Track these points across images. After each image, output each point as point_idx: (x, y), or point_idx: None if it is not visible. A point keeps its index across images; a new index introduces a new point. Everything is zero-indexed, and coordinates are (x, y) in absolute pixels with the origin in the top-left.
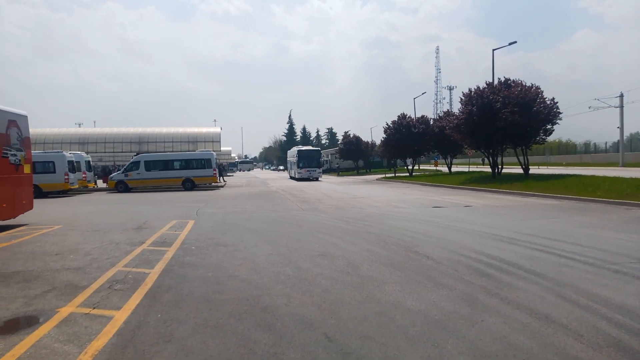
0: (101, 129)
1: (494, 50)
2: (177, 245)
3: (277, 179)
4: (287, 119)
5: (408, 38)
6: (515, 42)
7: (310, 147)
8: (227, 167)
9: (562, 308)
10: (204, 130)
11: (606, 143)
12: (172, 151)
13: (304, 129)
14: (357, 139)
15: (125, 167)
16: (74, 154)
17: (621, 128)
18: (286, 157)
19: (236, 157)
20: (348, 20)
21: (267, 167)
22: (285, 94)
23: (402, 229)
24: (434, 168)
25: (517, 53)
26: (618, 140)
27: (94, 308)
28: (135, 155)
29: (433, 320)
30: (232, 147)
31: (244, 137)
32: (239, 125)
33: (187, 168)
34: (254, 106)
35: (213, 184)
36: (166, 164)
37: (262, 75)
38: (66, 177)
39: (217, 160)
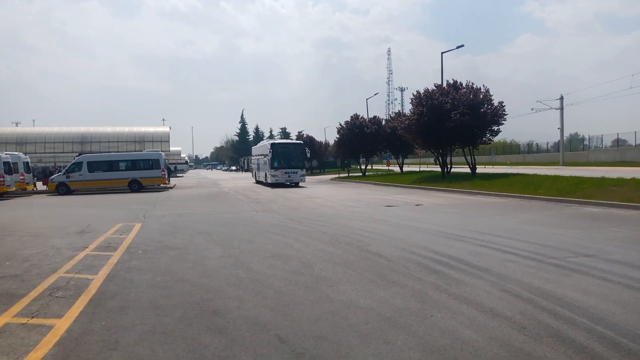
0: (40, 128)
1: (442, 53)
2: (122, 249)
3: (228, 179)
4: (240, 119)
5: (360, 39)
6: (462, 45)
7: (289, 140)
8: (180, 167)
9: (506, 301)
10: (152, 129)
11: (547, 143)
12: (118, 151)
13: (256, 128)
14: (311, 139)
15: (66, 168)
16: (10, 154)
17: (561, 129)
18: (239, 158)
19: (186, 158)
20: (300, 19)
21: (219, 168)
22: (237, 93)
23: (355, 229)
24: (386, 168)
25: (464, 56)
26: (559, 141)
27: (32, 317)
28: (77, 156)
29: (385, 317)
30: (181, 147)
31: (195, 137)
32: (189, 125)
33: (133, 169)
34: (204, 105)
35: (162, 185)
36: (111, 165)
37: (213, 74)
38: (1, 179)
39: (166, 161)
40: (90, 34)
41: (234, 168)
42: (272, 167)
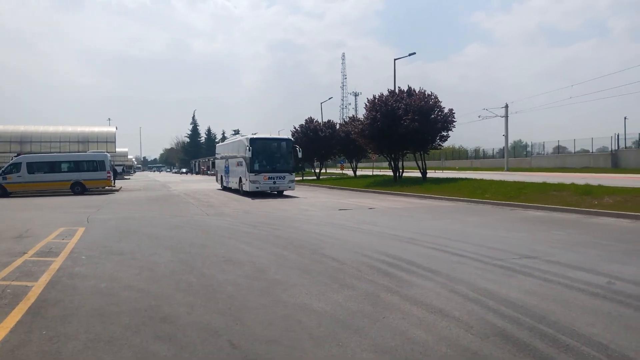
0: None
1: (395, 59)
2: (65, 255)
3: (179, 182)
4: (191, 120)
5: (314, 42)
6: (414, 53)
7: (274, 135)
8: (127, 169)
9: (454, 302)
10: (97, 129)
11: (493, 149)
12: (60, 152)
13: (209, 130)
14: None
15: (3, 169)
16: None
17: (506, 136)
18: (190, 160)
19: (133, 159)
20: (254, 20)
21: (168, 170)
22: (188, 93)
23: (309, 232)
24: (340, 172)
25: (416, 63)
26: (503, 147)
27: None
28: (15, 156)
29: (338, 320)
30: (129, 148)
31: (143, 138)
32: (136, 125)
33: (76, 170)
34: (154, 105)
35: (107, 187)
36: (52, 166)
37: (163, 73)
38: None
39: (112, 163)
40: (30, 27)
41: (184, 170)
42: (251, 170)
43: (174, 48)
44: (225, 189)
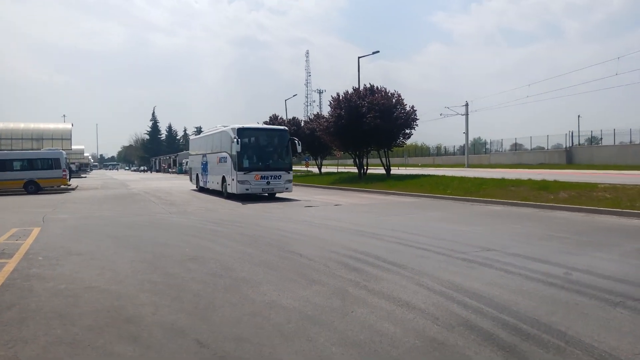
0: None
1: (359, 57)
2: (20, 256)
3: (138, 180)
4: (151, 117)
5: (277, 39)
6: (378, 51)
7: (266, 125)
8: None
9: (420, 295)
10: (52, 126)
11: (454, 146)
12: (12, 149)
13: (169, 127)
14: None
15: None
16: None
17: (466, 133)
18: (150, 157)
19: (90, 157)
20: (215, 16)
21: (127, 168)
22: (148, 90)
23: (275, 229)
24: (306, 169)
25: (379, 61)
26: (464, 144)
27: None
28: None
29: (307, 315)
30: (85, 145)
31: (100, 135)
32: (93, 122)
33: (30, 169)
34: (111, 101)
35: (62, 186)
36: (4, 165)
37: (121, 68)
38: None
39: (68, 160)
40: None
41: (144, 168)
42: (239, 168)
43: (132, 43)
44: (202, 190)
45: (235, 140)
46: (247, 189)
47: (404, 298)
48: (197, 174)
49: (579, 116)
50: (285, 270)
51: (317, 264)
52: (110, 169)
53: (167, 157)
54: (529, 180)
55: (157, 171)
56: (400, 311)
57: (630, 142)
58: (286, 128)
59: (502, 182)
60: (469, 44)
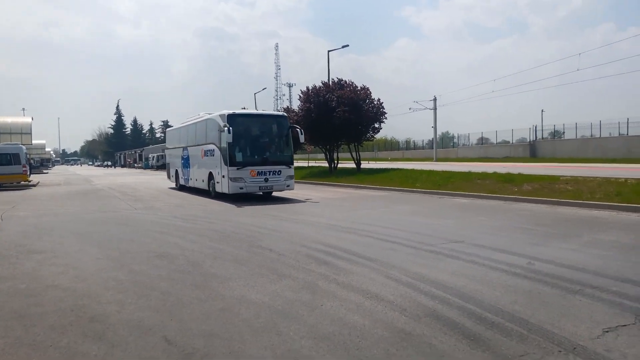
0: None
1: (329, 51)
2: None
3: (102, 175)
4: (115, 110)
5: (246, 32)
6: (347, 45)
7: (261, 111)
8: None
9: (389, 287)
10: (10, 120)
11: (423, 140)
12: None
13: (135, 121)
14: None
15: None
16: None
17: (435, 128)
18: (114, 152)
19: (52, 152)
20: (182, 7)
21: (90, 163)
22: (112, 82)
23: (246, 224)
24: None
25: (349, 55)
26: (432, 138)
27: None
28: None
29: (277, 310)
30: (46, 140)
31: (62, 129)
32: (54, 116)
33: None
34: (73, 94)
35: (22, 182)
36: None
37: (84, 60)
38: None
39: (28, 155)
40: None
41: (108, 163)
42: (230, 163)
43: (96, 34)
44: (182, 188)
45: (227, 129)
46: (241, 188)
47: (373, 290)
48: (176, 170)
49: (542, 111)
50: (255, 265)
51: (287, 258)
52: (72, 164)
53: (133, 152)
54: (495, 173)
55: (122, 166)
56: (369, 303)
57: (591, 135)
58: (285, 114)
59: (469, 175)
60: (438, 39)
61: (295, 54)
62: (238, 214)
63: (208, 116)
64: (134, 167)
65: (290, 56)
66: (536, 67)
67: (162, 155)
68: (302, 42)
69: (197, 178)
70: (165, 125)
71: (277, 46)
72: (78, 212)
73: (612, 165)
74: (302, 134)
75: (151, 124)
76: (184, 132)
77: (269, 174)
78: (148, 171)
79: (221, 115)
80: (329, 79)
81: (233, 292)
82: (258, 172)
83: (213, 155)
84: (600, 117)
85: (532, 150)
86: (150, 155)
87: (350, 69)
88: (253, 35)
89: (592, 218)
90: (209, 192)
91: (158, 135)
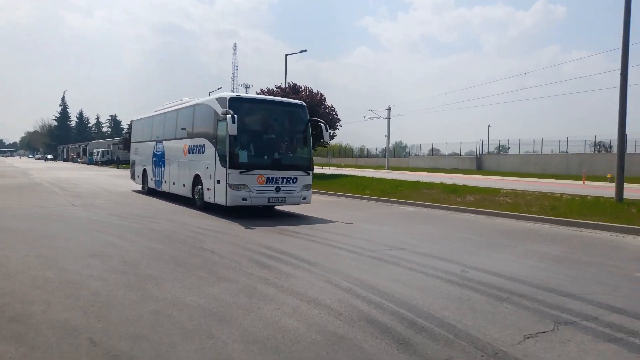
0: None
1: (287, 55)
2: None
3: (43, 169)
4: (60, 101)
5: (204, 29)
6: (305, 50)
7: (271, 97)
8: None
9: (327, 291)
10: None
11: (376, 149)
12: None
13: (81, 113)
14: None
15: None
16: None
17: (388, 136)
18: (57, 145)
19: None
20: None
21: (30, 155)
22: (58, 72)
23: (189, 225)
24: None
25: (307, 61)
26: (385, 147)
27: None
28: None
29: (211, 312)
30: None
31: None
32: None
33: None
34: (14, 83)
35: None
36: None
37: (27, 48)
38: None
39: None
40: None
41: (49, 157)
42: (232, 164)
43: (43, 20)
44: (152, 192)
45: (229, 117)
46: (244, 199)
47: (311, 295)
48: (144, 170)
49: (489, 126)
50: (194, 267)
51: (228, 261)
52: (9, 156)
53: (77, 146)
54: (441, 183)
55: (65, 160)
56: (306, 307)
57: (534, 151)
58: (304, 104)
59: (417, 184)
60: (395, 50)
61: (254, 55)
62: (182, 213)
63: (197, 101)
64: (77, 161)
65: (249, 57)
66: (486, 84)
67: (107, 150)
68: (261, 44)
69: (176, 181)
70: (113, 120)
71: (235, 46)
72: (11, 206)
73: (550, 180)
74: (327, 129)
75: (98, 118)
76: (158, 122)
77: (282, 182)
78: (92, 166)
79: (219, 99)
80: (285, 83)
81: (167, 294)
82: (268, 178)
83: (203, 152)
84: (544, 135)
85: (479, 163)
86: (95, 150)
87: (308, 74)
88: (211, 33)
89: (527, 230)
90: (193, 201)
91: (105, 130)
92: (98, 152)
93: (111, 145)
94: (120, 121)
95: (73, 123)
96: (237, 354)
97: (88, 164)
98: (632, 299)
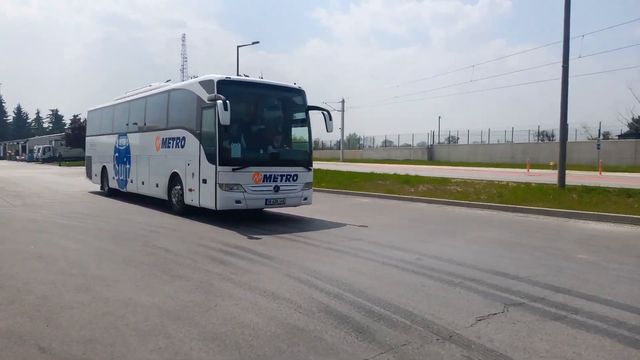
0: None
1: (239, 46)
2: None
3: None
4: None
5: (151, 19)
6: (258, 42)
7: (266, 80)
8: None
9: (286, 285)
10: None
11: (331, 141)
12: None
13: (18, 108)
14: None
15: None
16: None
17: (342, 129)
18: None
19: None
20: None
21: None
22: None
23: (141, 223)
24: None
25: (260, 52)
26: (340, 140)
27: None
28: None
29: (167, 312)
30: None
31: None
32: None
33: None
34: None
35: None
36: None
37: None
38: None
39: None
40: None
41: None
42: (221, 159)
43: None
44: (114, 193)
45: (220, 103)
46: (238, 202)
47: (270, 289)
48: (103, 167)
49: (439, 117)
50: (147, 266)
51: (183, 258)
52: None
53: (15, 143)
54: (395, 174)
55: (2, 158)
56: (265, 301)
57: (481, 142)
58: (303, 89)
59: (371, 176)
60: (348, 43)
61: (203, 47)
62: (132, 212)
63: (173, 86)
64: (15, 159)
65: (198, 49)
66: (436, 76)
67: (49, 147)
68: (211, 35)
69: (146, 180)
70: (55, 114)
71: (184, 37)
72: None
73: (497, 169)
74: (330, 119)
75: (38, 113)
76: (121, 112)
77: (282, 180)
78: (33, 164)
79: (204, 83)
80: (237, 75)
81: (120, 295)
82: (265, 176)
83: (182, 146)
84: (491, 126)
85: (430, 154)
86: (35, 147)
87: (261, 67)
88: (158, 23)
89: (476, 217)
90: (170, 204)
91: (45, 125)
92: (39, 149)
93: (53, 142)
94: (62, 116)
95: (10, 119)
96: (195, 352)
97: (28, 161)
98: (574, 279)
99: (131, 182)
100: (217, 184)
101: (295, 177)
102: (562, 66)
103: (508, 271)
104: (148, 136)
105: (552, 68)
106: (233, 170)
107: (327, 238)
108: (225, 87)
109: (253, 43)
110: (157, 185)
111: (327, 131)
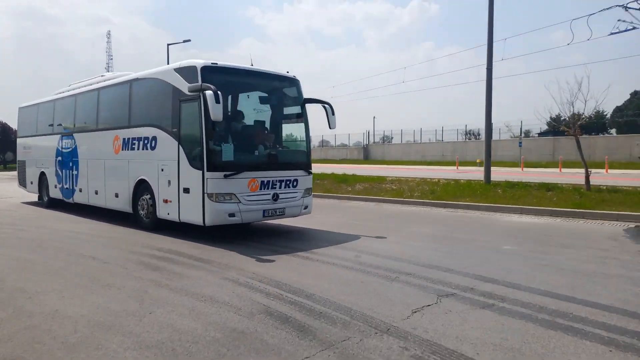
0: None
1: (168, 45)
2: None
3: None
4: None
5: (71, 15)
6: (189, 40)
7: (256, 68)
8: None
9: (225, 288)
10: None
11: None
12: None
13: None
14: (4, 126)
15: None
16: None
17: None
18: None
19: None
20: None
21: None
22: None
23: (65, 231)
24: None
25: (191, 51)
26: None
27: None
28: None
29: (98, 322)
30: None
31: None
32: None
33: None
34: None
35: None
36: None
37: None
38: None
39: None
40: None
41: None
42: (209, 164)
43: None
44: (56, 203)
45: (211, 94)
46: (231, 215)
47: (208, 293)
48: (41, 173)
49: (374, 117)
50: (74, 275)
51: (113, 266)
52: None
53: None
54: (332, 174)
55: None
56: (203, 306)
57: (414, 141)
58: (294, 77)
59: None
60: (282, 42)
61: (130, 44)
62: (58, 220)
63: (137, 75)
64: None
65: (124, 46)
66: (371, 77)
67: None
68: (138, 32)
69: (101, 189)
70: None
71: (109, 34)
72: None
73: (429, 167)
74: (333, 113)
75: None
76: (65, 109)
77: (281, 186)
78: None
79: (183, 70)
80: None
81: (44, 308)
82: (262, 182)
83: (153, 148)
84: (422, 125)
85: (366, 153)
86: None
87: None
88: (80, 19)
89: (410, 213)
90: (137, 218)
91: None
92: None
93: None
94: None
95: None
96: None
97: None
98: (501, 269)
99: (80, 191)
100: (206, 194)
101: (295, 183)
102: (487, 68)
103: (441, 264)
104: (103, 136)
105: (478, 70)
106: (225, 176)
107: (267, 239)
108: (211, 75)
109: (184, 41)
110: (116, 195)
111: (330, 127)
